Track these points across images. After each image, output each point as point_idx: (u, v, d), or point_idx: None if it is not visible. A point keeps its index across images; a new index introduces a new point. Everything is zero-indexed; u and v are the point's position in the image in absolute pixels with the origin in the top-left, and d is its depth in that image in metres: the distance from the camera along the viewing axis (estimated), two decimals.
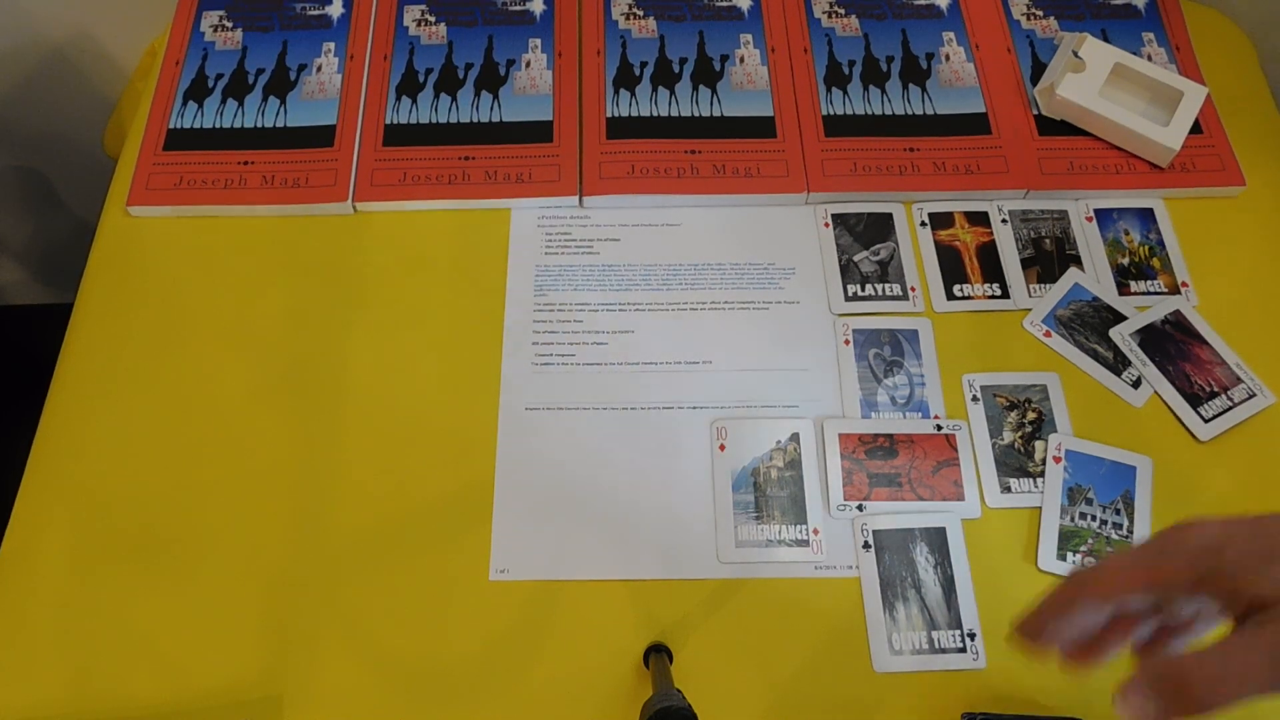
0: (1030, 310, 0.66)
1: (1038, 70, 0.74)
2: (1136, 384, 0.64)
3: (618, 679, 0.55)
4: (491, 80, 0.74)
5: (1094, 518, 0.59)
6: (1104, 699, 0.55)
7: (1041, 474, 0.61)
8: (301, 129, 0.71)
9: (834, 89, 0.73)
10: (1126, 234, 0.69)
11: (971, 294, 0.67)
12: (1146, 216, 0.70)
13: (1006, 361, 0.65)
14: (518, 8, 0.77)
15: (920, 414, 0.63)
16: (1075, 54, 0.71)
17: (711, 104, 0.72)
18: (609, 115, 0.72)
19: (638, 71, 0.74)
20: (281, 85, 0.73)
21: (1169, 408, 0.63)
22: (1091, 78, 0.70)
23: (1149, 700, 0.32)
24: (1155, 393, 0.63)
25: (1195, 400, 0.63)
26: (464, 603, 0.57)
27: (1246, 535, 0.31)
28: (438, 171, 0.70)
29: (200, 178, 0.70)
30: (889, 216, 0.70)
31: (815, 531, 0.59)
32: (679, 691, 0.48)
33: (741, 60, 0.74)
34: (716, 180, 0.69)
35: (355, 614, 0.57)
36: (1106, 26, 0.76)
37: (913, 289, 0.67)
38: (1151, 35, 0.76)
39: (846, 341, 0.65)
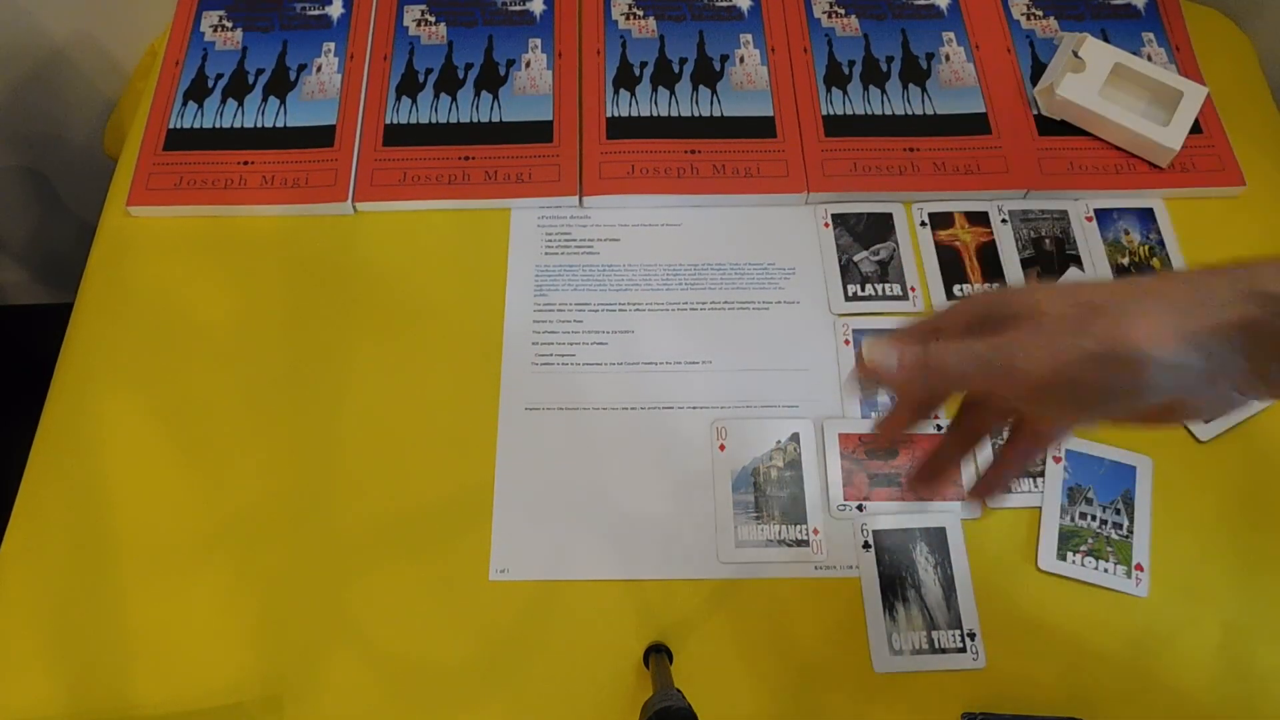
0: None
1: (1038, 70, 0.74)
2: None
3: (618, 679, 0.55)
4: (491, 80, 0.74)
5: (1094, 518, 0.59)
6: (1104, 699, 0.55)
7: (1041, 474, 0.61)
8: (301, 129, 0.71)
9: (834, 89, 0.73)
10: (1126, 234, 0.69)
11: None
12: (1146, 216, 0.70)
13: None
14: (518, 8, 0.77)
15: None
16: (1075, 54, 0.71)
17: (711, 104, 0.72)
18: (609, 115, 0.72)
19: (638, 71, 0.74)
20: (281, 85, 0.73)
21: None
22: (1091, 78, 0.70)
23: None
24: None
25: None
26: (464, 603, 0.57)
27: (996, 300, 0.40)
28: (438, 171, 0.70)
29: (200, 178, 0.70)
30: (889, 216, 0.69)
31: (815, 531, 0.59)
32: (679, 691, 0.48)
33: (741, 60, 0.74)
34: (716, 180, 0.69)
35: (355, 614, 0.57)
36: (1106, 26, 0.76)
37: (913, 289, 0.67)
38: (1151, 35, 0.76)
39: (846, 341, 0.65)
